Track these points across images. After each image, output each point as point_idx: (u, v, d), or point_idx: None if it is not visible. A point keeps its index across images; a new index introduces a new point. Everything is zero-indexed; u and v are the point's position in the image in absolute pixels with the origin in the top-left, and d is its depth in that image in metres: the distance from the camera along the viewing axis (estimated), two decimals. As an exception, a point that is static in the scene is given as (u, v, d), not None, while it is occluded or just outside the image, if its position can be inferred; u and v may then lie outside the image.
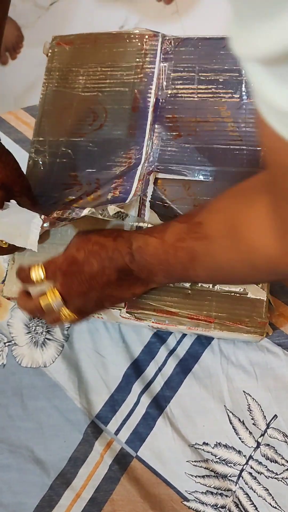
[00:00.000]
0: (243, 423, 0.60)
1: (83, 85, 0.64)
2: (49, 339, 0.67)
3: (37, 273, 0.50)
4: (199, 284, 0.54)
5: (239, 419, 0.60)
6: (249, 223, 0.39)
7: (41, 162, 0.63)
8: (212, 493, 0.58)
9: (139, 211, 0.56)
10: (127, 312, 0.56)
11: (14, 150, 0.78)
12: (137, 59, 0.63)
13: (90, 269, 0.49)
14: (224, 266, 0.45)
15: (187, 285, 0.55)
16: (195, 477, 0.58)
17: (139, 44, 0.63)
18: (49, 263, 0.51)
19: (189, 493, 0.58)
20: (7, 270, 0.61)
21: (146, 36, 0.63)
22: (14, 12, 1.53)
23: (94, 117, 0.62)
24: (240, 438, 0.60)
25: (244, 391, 0.62)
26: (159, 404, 0.62)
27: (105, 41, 0.64)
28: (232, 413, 0.61)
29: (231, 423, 0.60)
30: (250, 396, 0.61)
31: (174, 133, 0.59)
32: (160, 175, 0.58)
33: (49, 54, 0.67)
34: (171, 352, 0.65)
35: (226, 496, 0.58)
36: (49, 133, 0.63)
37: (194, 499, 0.58)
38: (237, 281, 0.52)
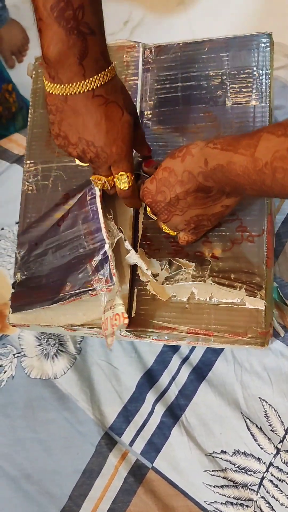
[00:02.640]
0: (261, 430, 0.58)
1: None
2: (61, 351, 0.66)
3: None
4: (196, 298, 0.53)
5: (257, 426, 0.59)
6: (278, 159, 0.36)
7: (34, 186, 0.63)
8: (232, 503, 0.56)
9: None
10: (126, 330, 0.55)
11: (15, 169, 0.80)
12: (120, 72, 0.61)
13: (163, 198, 0.48)
14: None
15: (184, 299, 0.54)
16: (214, 487, 0.57)
17: (120, 56, 0.62)
18: (142, 191, 0.52)
19: (208, 504, 0.57)
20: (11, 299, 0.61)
21: (127, 48, 0.61)
22: (18, 14, 1.51)
23: None
24: (259, 445, 0.58)
25: (260, 398, 0.60)
26: (174, 413, 0.61)
27: None
28: (250, 420, 0.59)
29: (248, 429, 0.59)
30: (266, 402, 0.59)
31: (160, 143, 0.59)
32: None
33: (33, 75, 0.66)
34: (184, 360, 0.63)
35: (247, 506, 0.56)
36: (40, 156, 0.63)
37: (214, 510, 0.56)
38: None
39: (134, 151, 0.53)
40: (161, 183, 0.48)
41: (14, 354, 0.67)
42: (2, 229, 0.77)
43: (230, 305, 0.52)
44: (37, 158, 0.63)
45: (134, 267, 0.56)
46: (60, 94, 0.44)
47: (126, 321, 0.49)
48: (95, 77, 0.43)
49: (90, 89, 0.43)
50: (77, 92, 0.43)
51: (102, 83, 0.44)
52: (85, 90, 0.43)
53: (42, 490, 0.60)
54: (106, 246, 0.51)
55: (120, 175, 0.50)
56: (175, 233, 0.54)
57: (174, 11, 1.56)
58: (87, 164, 0.51)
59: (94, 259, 0.52)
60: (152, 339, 0.55)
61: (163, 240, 0.56)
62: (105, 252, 0.51)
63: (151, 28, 1.53)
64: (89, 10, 0.41)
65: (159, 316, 0.54)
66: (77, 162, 0.53)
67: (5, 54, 1.48)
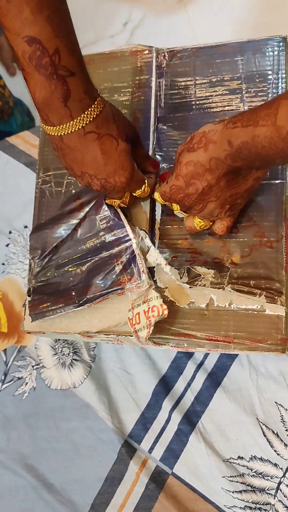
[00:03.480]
0: (277, 435, 0.59)
1: None
2: (76, 360, 0.67)
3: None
4: (215, 304, 0.53)
5: (273, 431, 0.60)
6: None
7: (47, 192, 0.63)
8: (250, 508, 0.57)
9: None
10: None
11: (26, 174, 0.79)
12: (133, 77, 0.61)
13: (195, 190, 0.48)
14: None
15: (203, 305, 0.54)
16: (232, 492, 0.58)
17: (133, 61, 0.62)
18: (161, 194, 0.53)
19: (228, 508, 0.58)
20: (25, 304, 0.61)
21: (140, 52, 0.61)
22: (18, 20, 1.52)
23: None
24: (275, 451, 0.59)
25: (276, 402, 0.60)
26: (190, 420, 0.62)
27: (99, 62, 0.63)
28: (266, 426, 0.60)
29: (265, 435, 0.60)
30: (283, 407, 0.60)
31: (175, 148, 0.58)
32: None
33: None
34: (199, 366, 0.64)
35: (265, 510, 0.57)
36: (52, 162, 0.63)
37: (233, 513, 0.58)
38: None
39: None
40: (188, 177, 0.48)
41: (33, 366, 0.69)
42: (10, 232, 0.78)
43: (250, 312, 0.52)
44: (50, 164, 0.64)
45: (151, 269, 0.56)
46: (55, 135, 0.45)
47: (166, 311, 0.50)
48: (82, 116, 0.44)
49: (80, 127, 0.45)
50: (68, 132, 0.45)
51: (91, 119, 0.45)
52: (76, 129, 0.45)
53: (64, 499, 0.62)
54: (134, 245, 0.53)
55: (137, 193, 0.53)
56: (210, 224, 0.53)
57: (173, 9, 1.56)
58: None
59: (121, 259, 0.53)
60: (171, 346, 0.54)
61: (180, 247, 0.56)
62: (133, 251, 0.52)
63: (152, 28, 1.52)
64: (65, 53, 0.42)
65: (178, 323, 0.54)
66: None
67: (6, 61, 1.48)
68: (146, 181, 0.53)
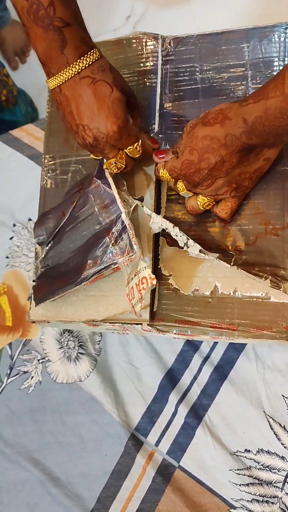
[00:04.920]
0: (285, 428, 0.59)
1: None
2: (82, 353, 0.67)
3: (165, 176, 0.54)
4: (220, 292, 0.53)
5: (280, 424, 0.59)
6: None
7: (53, 181, 0.63)
8: (258, 501, 0.57)
9: None
10: (148, 324, 0.55)
11: (29, 166, 0.79)
12: (139, 65, 0.61)
13: (208, 164, 0.48)
14: None
15: (207, 293, 0.53)
16: (240, 485, 0.58)
17: (139, 48, 0.61)
18: (170, 170, 0.53)
19: (236, 501, 0.58)
20: (32, 294, 0.60)
21: (145, 40, 0.61)
22: (20, 14, 1.51)
23: None
24: (282, 444, 0.59)
25: (283, 395, 0.60)
26: (197, 413, 0.62)
27: (106, 49, 0.62)
28: (273, 419, 0.60)
29: (272, 428, 0.59)
30: (290, 400, 0.60)
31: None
32: None
33: None
34: (205, 359, 0.64)
35: (272, 503, 0.57)
36: (58, 151, 0.63)
37: (241, 507, 0.58)
38: None
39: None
40: (203, 151, 0.48)
41: (38, 360, 0.68)
42: (14, 225, 0.77)
43: (255, 299, 0.52)
44: (56, 153, 0.63)
45: (156, 261, 0.56)
46: (56, 86, 0.48)
47: (154, 281, 0.49)
48: (78, 61, 0.47)
49: (75, 72, 0.47)
50: (65, 79, 0.47)
51: (87, 65, 0.47)
52: (72, 75, 0.47)
53: (71, 493, 0.61)
54: (123, 216, 0.51)
55: (129, 149, 0.52)
56: (213, 203, 0.53)
57: (176, 2, 1.54)
58: (100, 158, 0.54)
59: (112, 231, 0.51)
60: (175, 333, 0.54)
61: (185, 232, 0.55)
62: (123, 222, 0.51)
63: (154, 21, 1.51)
64: (59, 5, 0.45)
65: (182, 310, 0.54)
66: (91, 155, 0.55)
67: (8, 55, 1.47)
68: (139, 140, 0.53)
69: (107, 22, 1.52)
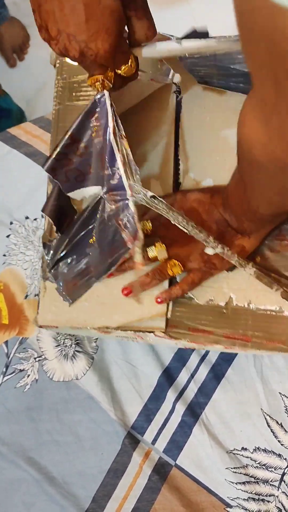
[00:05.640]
0: (282, 426, 0.59)
1: None
2: (79, 351, 0.67)
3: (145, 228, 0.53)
4: (234, 303, 0.53)
5: (277, 422, 0.59)
6: (243, 117, 0.36)
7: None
8: (254, 499, 0.57)
9: None
10: (161, 331, 0.54)
11: (27, 164, 0.78)
12: (153, 67, 0.60)
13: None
14: (260, 180, 0.41)
15: (222, 303, 0.53)
16: (236, 484, 0.58)
17: None
18: (154, 221, 0.53)
19: (231, 500, 0.58)
20: (39, 299, 0.59)
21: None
22: (18, 12, 1.50)
23: None
24: (279, 441, 0.59)
25: (280, 393, 0.60)
26: (194, 412, 0.61)
27: None
28: (270, 416, 0.60)
29: (269, 426, 0.59)
30: (287, 397, 0.60)
31: None
32: None
33: (57, 65, 0.65)
34: (203, 358, 0.64)
35: (269, 501, 0.57)
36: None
37: (237, 505, 0.57)
38: (268, 195, 0.44)
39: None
40: (190, 211, 0.52)
41: (35, 358, 0.68)
42: (11, 223, 0.77)
43: (269, 312, 0.52)
44: None
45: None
46: None
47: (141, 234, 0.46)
48: None
49: None
50: None
51: None
52: None
53: (66, 493, 0.61)
54: (130, 204, 0.47)
55: (122, 69, 0.44)
56: (181, 272, 0.53)
57: (176, 1, 1.54)
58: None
59: (121, 217, 0.49)
60: (187, 341, 0.54)
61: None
62: (130, 209, 0.48)
63: (154, 21, 1.51)
64: None
65: (196, 319, 0.54)
66: (68, 60, 0.46)
67: (6, 53, 1.47)
68: (132, 56, 0.45)
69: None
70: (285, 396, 0.60)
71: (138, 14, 0.43)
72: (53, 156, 0.52)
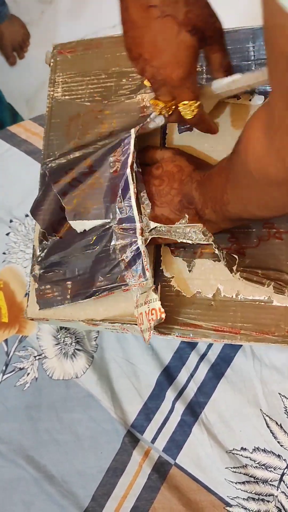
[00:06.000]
0: (281, 426, 0.59)
1: (89, 94, 0.62)
2: (78, 350, 0.67)
3: None
4: (222, 295, 0.53)
5: (277, 423, 0.59)
6: (251, 122, 0.37)
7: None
8: (253, 499, 0.57)
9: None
10: None
11: (26, 162, 0.78)
12: None
13: (159, 183, 0.51)
14: (243, 182, 0.41)
15: (210, 296, 0.53)
16: (235, 483, 0.58)
17: None
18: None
19: (231, 499, 0.58)
20: (28, 292, 0.60)
21: None
22: (18, 10, 1.50)
23: (102, 126, 0.60)
24: (278, 442, 0.59)
25: (279, 394, 0.60)
26: (193, 411, 0.61)
27: (108, 46, 0.62)
28: (269, 417, 0.60)
29: (268, 427, 0.59)
30: (286, 398, 0.60)
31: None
32: None
33: (51, 63, 0.66)
34: (202, 357, 0.64)
35: (268, 501, 0.57)
36: (58, 147, 0.62)
37: (237, 505, 0.57)
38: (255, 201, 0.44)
39: None
40: (166, 174, 0.52)
41: (35, 356, 0.68)
42: (11, 221, 0.77)
43: (257, 303, 0.52)
44: (55, 149, 0.62)
45: (157, 263, 0.56)
46: (123, 3, 0.43)
47: (163, 315, 0.49)
48: None
49: None
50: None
51: None
52: None
53: (66, 492, 0.61)
54: (139, 242, 0.51)
55: (183, 104, 0.47)
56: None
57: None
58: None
59: (126, 255, 0.51)
60: (176, 336, 0.54)
61: None
62: (138, 248, 0.51)
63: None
64: None
65: (184, 313, 0.54)
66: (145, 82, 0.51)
67: (6, 51, 1.47)
68: (198, 102, 0.47)
69: (106, 18, 1.52)
70: (285, 396, 0.60)
71: (213, 48, 0.48)
72: (67, 180, 0.54)
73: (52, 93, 0.65)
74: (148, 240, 0.51)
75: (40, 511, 0.61)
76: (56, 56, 0.65)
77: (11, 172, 0.79)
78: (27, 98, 1.40)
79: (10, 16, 1.43)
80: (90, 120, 0.61)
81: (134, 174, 0.51)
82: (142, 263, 0.51)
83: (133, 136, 0.51)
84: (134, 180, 0.51)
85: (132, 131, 0.52)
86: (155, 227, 0.51)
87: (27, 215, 0.77)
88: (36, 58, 1.51)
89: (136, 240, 0.51)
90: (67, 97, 0.64)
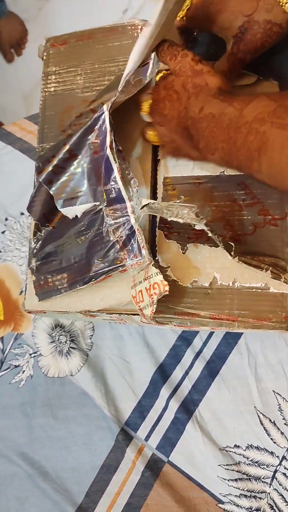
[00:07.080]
0: (275, 424, 0.59)
1: (82, 85, 0.62)
2: (73, 348, 0.67)
3: None
4: (219, 283, 0.53)
5: (270, 420, 0.60)
6: None
7: None
8: (246, 496, 0.57)
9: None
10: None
11: (22, 160, 0.78)
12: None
13: (162, 109, 0.49)
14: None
15: (206, 284, 0.53)
16: (228, 480, 0.58)
17: (134, 35, 0.61)
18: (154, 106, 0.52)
19: (224, 496, 0.58)
20: (26, 284, 0.60)
21: (140, 26, 0.60)
22: (16, 7, 1.50)
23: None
24: (272, 439, 0.59)
25: (274, 391, 0.60)
26: (187, 408, 0.62)
27: (100, 36, 0.62)
28: (263, 414, 0.60)
29: (262, 424, 0.60)
30: (280, 395, 0.60)
31: None
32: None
33: (44, 57, 0.66)
34: (198, 355, 0.64)
35: (260, 498, 0.57)
36: (52, 139, 0.62)
37: (229, 502, 0.58)
38: None
39: None
40: (167, 98, 0.49)
41: (30, 354, 0.68)
42: (6, 219, 0.77)
43: (254, 290, 0.51)
44: (50, 141, 0.62)
45: (153, 248, 0.55)
46: None
47: (167, 287, 0.48)
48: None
49: None
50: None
51: None
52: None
53: (60, 488, 0.61)
54: (132, 220, 0.50)
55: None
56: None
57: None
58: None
59: (120, 235, 0.51)
60: (174, 325, 0.54)
61: (182, 224, 0.53)
62: (131, 226, 0.50)
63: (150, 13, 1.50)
64: None
65: (181, 302, 0.53)
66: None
67: (4, 47, 1.46)
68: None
69: (104, 16, 1.52)
70: (279, 394, 0.60)
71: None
72: (49, 168, 0.54)
73: (45, 86, 0.65)
74: (140, 218, 0.50)
75: (34, 507, 0.62)
76: (49, 49, 0.65)
77: (6, 171, 0.79)
78: (25, 95, 1.39)
79: (8, 13, 1.43)
80: (83, 110, 0.61)
81: (114, 154, 0.49)
82: (137, 241, 0.50)
83: (106, 113, 0.50)
84: (117, 160, 0.49)
85: (104, 107, 0.50)
86: (148, 203, 0.50)
87: (22, 213, 0.77)
88: (34, 55, 1.50)
89: (129, 219, 0.50)
90: (60, 89, 0.64)
